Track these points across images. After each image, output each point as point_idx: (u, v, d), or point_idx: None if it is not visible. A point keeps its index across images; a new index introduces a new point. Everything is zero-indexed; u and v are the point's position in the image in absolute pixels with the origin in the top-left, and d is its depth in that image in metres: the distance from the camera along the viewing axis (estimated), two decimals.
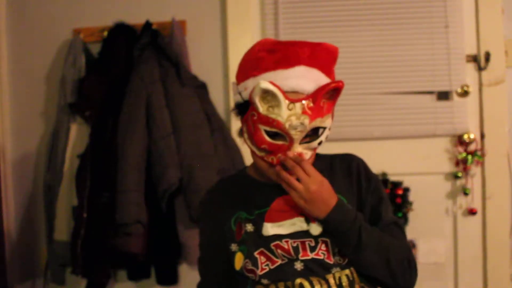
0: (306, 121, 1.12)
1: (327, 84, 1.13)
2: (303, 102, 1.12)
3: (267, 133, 1.15)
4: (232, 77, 2.31)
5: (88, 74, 2.28)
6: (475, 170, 2.28)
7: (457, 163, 2.29)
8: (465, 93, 2.30)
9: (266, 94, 1.11)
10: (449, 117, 2.29)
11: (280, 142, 1.15)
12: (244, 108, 1.18)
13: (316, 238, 1.20)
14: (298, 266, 1.19)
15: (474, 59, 2.30)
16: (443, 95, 2.31)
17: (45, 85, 2.43)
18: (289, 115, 1.11)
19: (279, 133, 1.14)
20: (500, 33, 2.27)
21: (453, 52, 2.27)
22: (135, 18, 2.29)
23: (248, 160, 2.27)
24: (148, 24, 2.25)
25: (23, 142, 2.43)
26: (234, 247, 1.25)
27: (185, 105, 2.15)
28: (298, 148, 1.15)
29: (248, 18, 2.34)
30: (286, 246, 1.19)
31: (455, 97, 2.31)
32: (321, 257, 1.19)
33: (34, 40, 2.42)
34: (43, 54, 2.41)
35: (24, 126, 2.43)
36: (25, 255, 2.44)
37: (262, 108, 1.13)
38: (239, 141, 2.24)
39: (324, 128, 1.17)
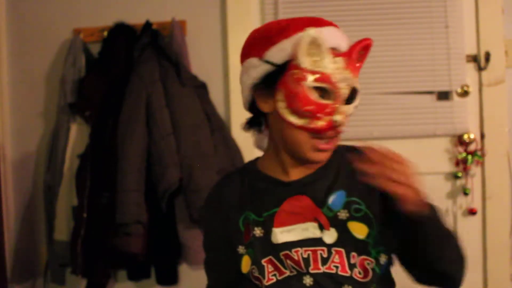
0: (350, 76, 1.06)
1: (360, 41, 1.09)
2: (343, 58, 1.07)
3: (313, 90, 1.06)
4: (232, 77, 2.32)
5: (88, 74, 2.28)
6: (475, 170, 2.28)
7: (457, 163, 2.29)
8: (465, 93, 2.31)
9: (310, 47, 1.05)
10: (449, 117, 2.29)
11: (326, 101, 1.06)
12: (274, 76, 1.09)
13: (329, 247, 1.10)
14: (308, 281, 1.09)
15: (474, 59, 2.30)
16: (443, 95, 2.31)
17: (45, 85, 2.43)
18: (334, 69, 1.05)
19: (326, 89, 1.06)
20: (500, 33, 2.27)
21: (453, 52, 2.27)
22: (135, 18, 2.29)
23: (248, 160, 2.27)
24: (148, 24, 2.25)
25: (23, 142, 2.43)
26: (241, 249, 1.16)
27: (185, 105, 2.15)
28: (344, 108, 1.07)
29: (248, 18, 2.34)
30: (296, 257, 1.10)
31: (455, 97, 2.31)
32: (333, 271, 1.09)
33: (34, 40, 2.42)
34: (43, 54, 2.41)
35: (24, 126, 2.43)
36: (25, 255, 2.44)
37: (307, 62, 1.05)
38: (239, 141, 2.26)
39: (357, 90, 1.10)
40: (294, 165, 1.15)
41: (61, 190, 2.22)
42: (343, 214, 1.11)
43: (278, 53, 1.08)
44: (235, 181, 1.23)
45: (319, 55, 1.05)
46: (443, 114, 2.29)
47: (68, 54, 2.29)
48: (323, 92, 1.06)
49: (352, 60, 1.07)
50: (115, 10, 2.35)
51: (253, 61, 1.12)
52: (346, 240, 1.10)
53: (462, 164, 2.28)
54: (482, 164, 2.28)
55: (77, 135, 2.26)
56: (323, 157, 1.11)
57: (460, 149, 2.28)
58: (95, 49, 2.32)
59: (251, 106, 1.18)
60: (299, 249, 1.10)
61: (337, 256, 1.09)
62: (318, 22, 1.10)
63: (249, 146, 2.29)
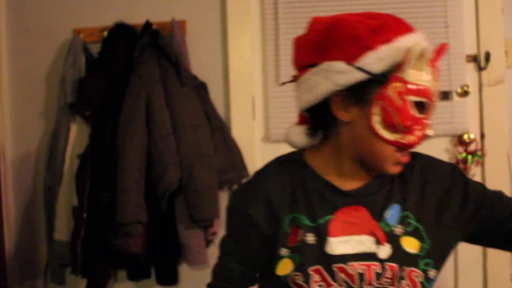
0: (438, 87, 1.02)
1: (441, 48, 1.02)
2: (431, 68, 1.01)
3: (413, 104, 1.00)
4: (232, 77, 2.33)
5: (88, 74, 2.28)
6: (475, 170, 2.28)
7: (457, 163, 2.29)
8: (465, 93, 2.30)
9: (416, 58, 0.99)
10: (449, 117, 2.29)
11: (421, 115, 1.01)
12: (369, 86, 1.00)
13: (382, 262, 1.04)
14: None
15: (474, 59, 2.30)
16: (443, 95, 2.31)
17: (45, 85, 2.42)
18: (430, 81, 1.00)
19: (424, 103, 1.00)
20: (500, 33, 2.27)
21: (453, 52, 2.27)
22: (135, 18, 2.29)
23: (248, 160, 2.28)
24: (148, 24, 2.25)
25: (23, 142, 2.43)
26: (284, 251, 1.07)
27: (185, 105, 2.15)
28: (430, 121, 1.02)
29: (248, 18, 2.34)
30: (351, 272, 1.03)
31: (455, 97, 2.31)
32: (383, 286, 1.04)
33: (34, 40, 2.42)
34: (43, 54, 2.41)
35: (24, 126, 2.43)
36: (25, 255, 2.44)
37: (411, 75, 0.99)
38: (239, 141, 2.26)
39: None
40: (354, 173, 1.09)
41: (61, 190, 2.22)
42: (398, 230, 1.07)
43: (377, 62, 0.99)
44: (284, 175, 1.12)
45: (419, 67, 1.00)
46: (443, 114, 2.29)
47: (68, 54, 2.29)
48: (418, 105, 1.01)
49: (436, 69, 1.02)
50: (115, 10, 2.35)
51: (339, 65, 1.00)
52: (398, 256, 1.05)
53: (462, 164, 2.28)
54: (482, 164, 2.28)
55: (77, 135, 2.26)
56: (400, 170, 1.07)
57: (460, 149, 2.28)
58: (95, 49, 2.32)
59: (317, 108, 1.07)
60: (354, 263, 1.04)
61: (389, 272, 1.04)
62: (407, 27, 1.03)
63: (249, 146, 2.30)
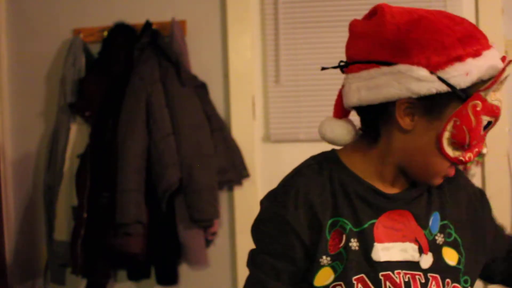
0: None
1: (506, 65, 0.93)
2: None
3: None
4: (232, 77, 2.33)
5: (88, 74, 2.28)
6: (475, 170, 2.28)
7: None
8: None
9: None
10: None
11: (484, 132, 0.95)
12: (446, 100, 0.92)
13: (425, 272, 0.97)
14: None
15: None
16: None
17: (45, 85, 2.42)
18: (499, 101, 0.94)
19: (491, 122, 0.94)
20: (500, 33, 2.27)
21: None
22: (135, 18, 2.29)
23: (248, 160, 2.27)
24: (148, 24, 2.25)
25: (23, 142, 2.43)
26: (325, 260, 0.97)
27: (185, 105, 2.16)
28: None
29: (248, 17, 2.33)
30: (398, 280, 0.96)
31: None
32: None
33: (34, 40, 2.42)
34: (43, 54, 2.41)
35: (24, 126, 2.43)
36: (25, 255, 2.44)
37: (491, 95, 0.91)
38: (239, 141, 2.26)
39: None
40: (395, 178, 1.01)
41: (61, 190, 2.22)
42: (439, 239, 1.01)
43: (463, 76, 0.90)
44: (323, 177, 1.01)
45: (497, 86, 0.92)
46: None
47: (68, 54, 2.29)
48: (486, 124, 0.94)
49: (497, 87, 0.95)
50: (115, 10, 2.35)
51: (421, 72, 0.90)
52: (440, 266, 0.99)
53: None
54: (482, 164, 2.28)
55: (77, 135, 2.26)
56: (441, 181, 1.01)
57: None
58: (95, 49, 2.32)
59: (375, 108, 0.97)
60: (400, 271, 0.96)
61: (434, 283, 0.97)
62: (487, 40, 0.95)
63: (249, 146, 2.30)
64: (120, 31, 2.28)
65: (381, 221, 0.98)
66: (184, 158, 2.10)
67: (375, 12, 0.97)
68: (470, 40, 0.92)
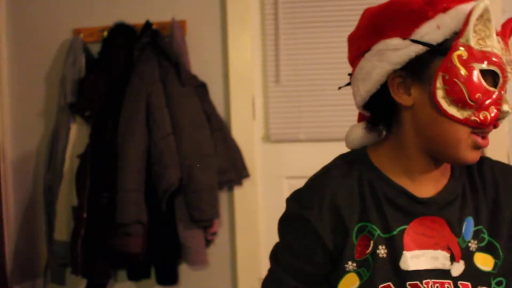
0: (511, 58, 0.91)
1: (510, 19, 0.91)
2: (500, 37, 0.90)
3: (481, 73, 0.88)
4: (232, 77, 2.33)
5: (88, 74, 2.28)
6: None
7: None
8: None
9: (477, 22, 0.88)
10: None
11: (492, 88, 0.89)
12: (428, 59, 0.90)
13: (455, 280, 0.94)
14: None
15: None
16: None
17: (45, 85, 2.43)
18: (500, 50, 0.89)
19: (495, 74, 0.89)
20: None
21: None
22: (135, 18, 2.29)
23: (248, 160, 2.28)
24: (148, 24, 2.26)
25: (23, 142, 2.43)
26: (351, 265, 0.94)
27: (185, 105, 2.16)
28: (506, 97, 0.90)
29: (248, 18, 2.33)
30: None
31: None
32: None
33: (34, 40, 2.42)
34: (43, 54, 2.41)
35: (24, 126, 2.43)
36: (25, 255, 2.44)
37: (474, 41, 0.87)
38: (239, 141, 2.26)
39: None
40: (424, 170, 0.96)
41: (61, 190, 2.22)
42: (472, 245, 0.96)
43: (434, 30, 0.88)
44: (351, 178, 0.97)
45: (485, 32, 0.88)
46: None
47: (68, 54, 2.29)
48: (489, 77, 0.89)
49: (506, 40, 0.91)
50: (115, 10, 2.35)
51: (393, 42, 0.91)
52: (471, 273, 0.95)
53: None
54: None
55: (77, 135, 2.26)
56: (478, 157, 0.94)
57: None
58: (95, 49, 2.32)
59: (375, 98, 0.96)
60: (429, 280, 0.93)
61: None
62: None
63: (249, 146, 2.30)
64: (120, 31, 2.28)
65: (413, 227, 0.94)
66: (184, 158, 2.10)
67: None
68: (435, 2, 0.90)
